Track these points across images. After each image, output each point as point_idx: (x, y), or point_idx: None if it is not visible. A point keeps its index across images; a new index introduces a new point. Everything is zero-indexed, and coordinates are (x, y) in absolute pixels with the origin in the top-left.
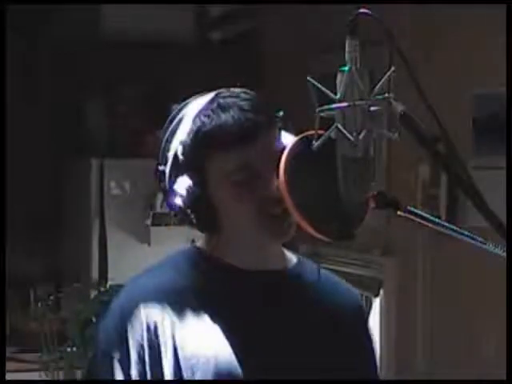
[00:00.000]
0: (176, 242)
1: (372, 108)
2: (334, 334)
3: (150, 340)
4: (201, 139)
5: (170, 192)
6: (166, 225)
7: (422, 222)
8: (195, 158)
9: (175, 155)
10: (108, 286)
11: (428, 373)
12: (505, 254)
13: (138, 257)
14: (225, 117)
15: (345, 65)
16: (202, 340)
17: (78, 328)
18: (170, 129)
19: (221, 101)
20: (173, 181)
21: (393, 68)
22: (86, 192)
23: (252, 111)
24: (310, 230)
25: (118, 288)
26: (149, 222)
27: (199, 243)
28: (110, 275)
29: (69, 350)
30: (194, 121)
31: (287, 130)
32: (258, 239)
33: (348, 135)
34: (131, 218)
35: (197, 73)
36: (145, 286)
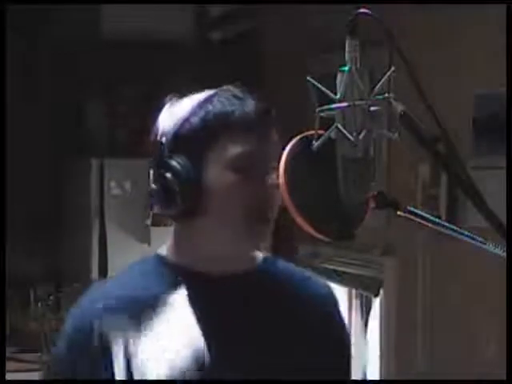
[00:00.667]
0: None
1: (372, 108)
2: (304, 329)
3: (102, 349)
4: (211, 120)
5: (162, 164)
6: (166, 225)
7: (422, 221)
8: (201, 137)
9: (176, 131)
10: None
11: (428, 373)
12: (505, 254)
13: (138, 257)
14: (239, 103)
15: (345, 65)
16: (157, 348)
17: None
18: (173, 107)
19: (234, 91)
20: (168, 155)
21: (393, 68)
22: (86, 192)
23: (255, 102)
24: (310, 230)
25: None
26: (149, 221)
27: (161, 250)
28: (109, 275)
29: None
30: (205, 103)
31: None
32: (239, 237)
33: (348, 135)
34: (131, 218)
35: (197, 73)
36: (100, 295)
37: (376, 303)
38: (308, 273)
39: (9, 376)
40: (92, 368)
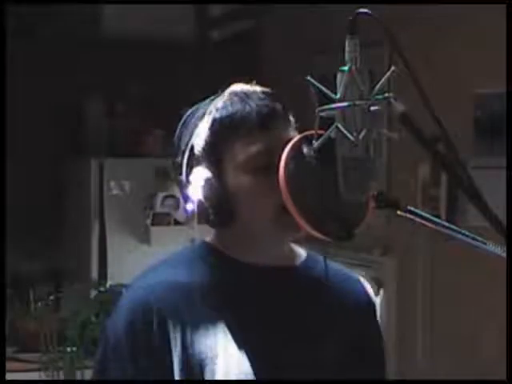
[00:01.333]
0: (176, 242)
1: (372, 108)
2: (345, 328)
3: (160, 335)
4: (218, 128)
5: (185, 184)
6: (166, 225)
7: (422, 222)
8: (213, 148)
9: (192, 147)
10: (108, 285)
11: (428, 373)
12: (505, 254)
13: (138, 257)
14: (241, 105)
15: (345, 65)
16: (212, 336)
17: (78, 328)
18: (188, 123)
19: (238, 92)
20: (189, 172)
21: (393, 68)
22: (86, 192)
23: (269, 101)
24: (310, 230)
25: (117, 288)
26: (149, 221)
27: (209, 239)
28: (109, 275)
29: (69, 349)
30: (211, 113)
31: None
32: (271, 232)
33: (348, 135)
34: (131, 218)
35: (196, 73)
36: (155, 281)
37: (376, 303)
38: (349, 272)
39: (9, 376)
40: (150, 354)
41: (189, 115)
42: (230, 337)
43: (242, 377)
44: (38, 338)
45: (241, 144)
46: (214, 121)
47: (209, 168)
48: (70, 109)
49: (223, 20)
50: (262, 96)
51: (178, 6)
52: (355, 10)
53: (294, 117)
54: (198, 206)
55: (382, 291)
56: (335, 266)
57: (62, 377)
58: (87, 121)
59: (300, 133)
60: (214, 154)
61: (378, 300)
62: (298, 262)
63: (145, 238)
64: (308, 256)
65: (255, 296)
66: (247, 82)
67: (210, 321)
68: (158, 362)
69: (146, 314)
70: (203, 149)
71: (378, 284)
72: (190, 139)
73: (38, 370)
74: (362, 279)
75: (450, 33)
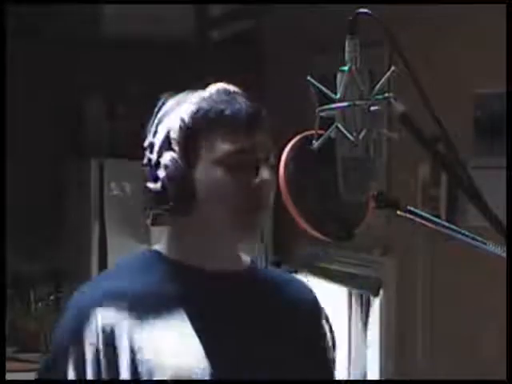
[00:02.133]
0: None
1: (372, 108)
2: (290, 331)
3: (105, 342)
4: (203, 118)
5: (155, 164)
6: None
7: (422, 221)
8: (192, 135)
9: (169, 130)
10: None
11: (428, 373)
12: (505, 254)
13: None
14: (231, 102)
15: (345, 65)
16: (160, 343)
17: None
18: (167, 106)
19: (227, 89)
20: (161, 154)
21: (393, 68)
22: (86, 192)
23: (252, 102)
24: (310, 230)
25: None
26: (149, 221)
27: (157, 246)
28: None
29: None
30: (197, 102)
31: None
32: (229, 232)
33: (348, 135)
34: (131, 218)
35: (197, 73)
36: (102, 288)
37: (376, 303)
38: (292, 275)
39: (9, 376)
40: (95, 359)
41: (165, 101)
42: (178, 342)
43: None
44: (38, 337)
45: (221, 139)
46: (199, 110)
47: (182, 153)
48: (70, 109)
49: (223, 20)
50: (246, 98)
51: (178, 5)
52: (355, 10)
53: (278, 118)
54: (161, 187)
55: (381, 291)
56: (279, 271)
57: None
58: (87, 121)
59: (296, 133)
60: (191, 141)
61: (377, 301)
62: (245, 266)
63: (145, 239)
64: (252, 261)
65: (201, 301)
66: (233, 82)
67: (158, 328)
68: (104, 367)
69: (92, 321)
70: (181, 134)
71: (378, 284)
72: (166, 121)
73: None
74: (307, 284)
75: (450, 33)
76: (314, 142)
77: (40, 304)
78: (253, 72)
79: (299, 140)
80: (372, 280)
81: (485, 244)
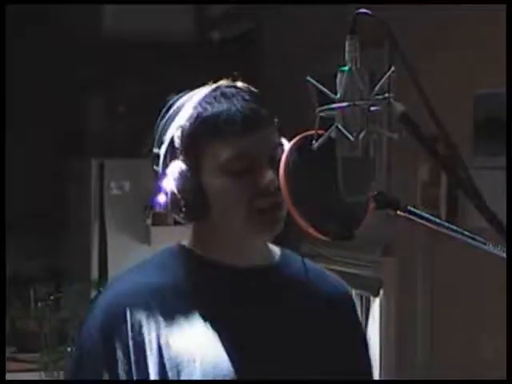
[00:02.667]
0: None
1: (372, 108)
2: (324, 326)
3: (134, 339)
4: (201, 125)
5: (161, 175)
6: (166, 225)
7: (422, 221)
8: (193, 143)
9: (172, 139)
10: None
11: (428, 373)
12: (505, 254)
13: (138, 257)
14: (227, 105)
15: (345, 65)
16: (188, 339)
17: (78, 328)
18: (169, 114)
19: (224, 90)
20: (167, 164)
21: (393, 68)
22: (86, 192)
23: (254, 103)
24: (310, 230)
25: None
26: (149, 221)
27: (184, 242)
28: (109, 275)
29: (69, 349)
30: (195, 107)
31: (281, 131)
32: (245, 233)
33: (348, 135)
34: (131, 218)
35: (197, 73)
36: (130, 284)
37: (376, 303)
38: (325, 270)
39: (9, 376)
40: (125, 356)
41: (171, 105)
42: (206, 339)
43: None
44: (37, 337)
45: (221, 144)
46: (197, 117)
47: (186, 162)
48: (70, 109)
49: (223, 20)
50: (247, 97)
51: (178, 6)
52: (355, 10)
53: (277, 119)
54: (171, 198)
55: (381, 291)
56: (312, 264)
57: (61, 377)
58: (87, 121)
59: (296, 133)
60: (194, 149)
61: (377, 301)
62: (273, 261)
63: (145, 238)
64: (282, 254)
65: (231, 297)
66: (234, 79)
67: (187, 323)
68: (134, 364)
69: (120, 318)
70: (183, 142)
71: (378, 284)
72: (169, 130)
73: (38, 370)
74: (340, 279)
75: (450, 33)
76: (313, 142)
77: (40, 304)
78: (253, 72)
79: (299, 140)
80: (372, 280)
81: (485, 244)
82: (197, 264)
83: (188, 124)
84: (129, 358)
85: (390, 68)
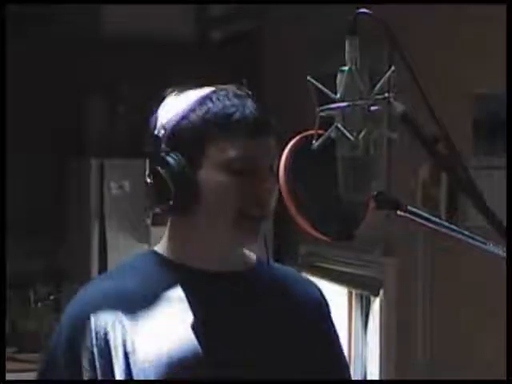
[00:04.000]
0: None
1: (372, 108)
2: (296, 330)
3: (99, 346)
4: (207, 121)
5: (157, 158)
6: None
7: (422, 221)
8: (197, 137)
9: (174, 126)
10: None
11: (428, 373)
12: (505, 254)
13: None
14: (240, 105)
15: (345, 65)
16: (155, 343)
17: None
18: (173, 101)
19: (235, 91)
20: (164, 150)
21: (393, 68)
22: (85, 192)
23: (264, 109)
24: (310, 230)
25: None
26: (149, 221)
27: (156, 247)
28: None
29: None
30: (203, 100)
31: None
32: (227, 237)
33: (348, 135)
34: (131, 217)
35: (197, 73)
36: (99, 290)
37: (376, 303)
38: (300, 274)
39: (9, 376)
40: (90, 365)
41: (172, 95)
42: (175, 342)
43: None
44: (37, 338)
45: (229, 143)
46: (209, 110)
47: (186, 155)
48: (71, 109)
49: (223, 20)
50: (257, 102)
51: (178, 6)
52: (355, 10)
53: (279, 126)
54: (163, 184)
55: (381, 291)
56: (287, 269)
57: None
58: (87, 121)
59: (299, 133)
60: (197, 141)
61: (376, 301)
62: (249, 266)
63: (145, 238)
64: (258, 260)
65: (204, 302)
66: (239, 84)
67: (155, 329)
68: (100, 372)
69: (84, 327)
70: (187, 133)
71: (378, 284)
72: (168, 120)
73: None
74: (313, 283)
75: (450, 33)
76: (313, 142)
77: (40, 304)
78: (253, 72)
79: (299, 140)
80: (372, 280)
81: (485, 244)
82: (170, 269)
83: (196, 116)
84: (94, 366)
85: (389, 68)
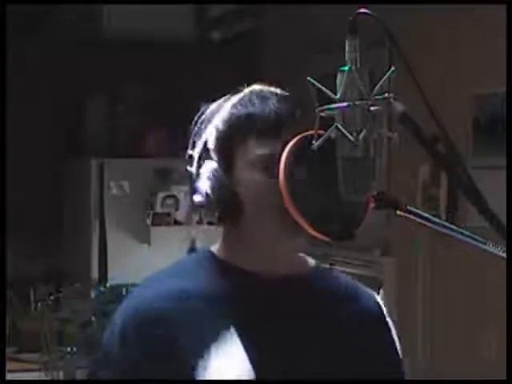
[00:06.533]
0: (176, 242)
1: (372, 108)
2: (356, 339)
3: (153, 348)
4: (235, 124)
5: (196, 176)
6: (166, 225)
7: (422, 221)
8: (227, 143)
9: (206, 141)
10: (108, 285)
11: (428, 372)
12: (505, 254)
13: (138, 257)
14: (262, 105)
15: (345, 65)
16: (212, 346)
17: (78, 328)
18: (203, 118)
19: (258, 91)
20: (200, 165)
21: (393, 68)
22: (85, 192)
23: (289, 104)
24: (310, 230)
25: (117, 288)
26: (149, 221)
27: (213, 247)
28: (109, 275)
29: (69, 349)
30: (229, 109)
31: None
32: (277, 232)
33: (348, 135)
34: (131, 218)
35: (197, 73)
36: (154, 290)
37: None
38: (357, 282)
39: (9, 376)
40: (145, 363)
41: (205, 109)
42: (234, 347)
43: None
44: (37, 337)
45: (255, 142)
46: (232, 115)
47: (219, 162)
48: (70, 109)
49: (223, 20)
50: (281, 99)
51: (178, 6)
52: (355, 10)
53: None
54: (206, 199)
55: (381, 291)
56: (343, 276)
57: (61, 377)
58: (87, 121)
59: (297, 134)
60: (227, 148)
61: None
62: (306, 270)
63: (145, 238)
64: (316, 265)
65: (260, 306)
66: (269, 83)
67: (213, 332)
68: (151, 371)
69: (139, 326)
70: (217, 142)
71: (378, 284)
72: (204, 132)
73: (38, 370)
74: (370, 290)
75: (450, 32)
76: (313, 142)
77: (40, 304)
78: (253, 72)
79: (299, 140)
80: (372, 280)
81: (485, 244)
82: (225, 271)
83: (222, 125)
84: (146, 365)
85: (389, 68)
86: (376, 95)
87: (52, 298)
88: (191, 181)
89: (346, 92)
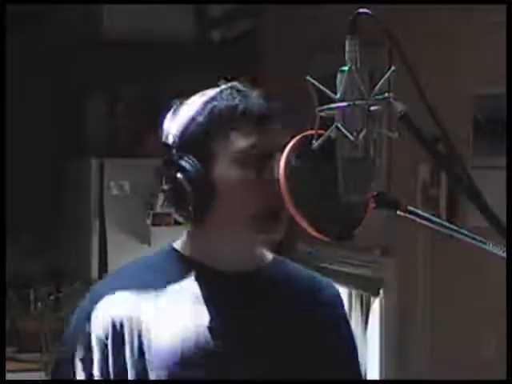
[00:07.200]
0: None
1: (372, 108)
2: (312, 330)
3: (114, 339)
4: (216, 117)
5: (171, 164)
6: (166, 225)
7: (422, 221)
8: (206, 136)
9: (183, 131)
10: None
11: (428, 373)
12: (505, 254)
13: (138, 257)
14: (244, 98)
15: (345, 65)
16: (171, 340)
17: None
18: (180, 108)
19: (238, 86)
20: (176, 155)
21: (393, 68)
22: (86, 192)
23: (267, 100)
24: (310, 230)
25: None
26: (149, 221)
27: (176, 244)
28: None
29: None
30: (208, 101)
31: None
32: (249, 229)
33: (348, 135)
34: (131, 218)
35: (197, 73)
36: (115, 285)
37: (376, 303)
38: (315, 274)
39: (9, 376)
40: (103, 355)
41: (179, 105)
42: (192, 343)
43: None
44: (37, 337)
45: (237, 135)
46: (214, 108)
47: (199, 154)
48: (70, 109)
49: (223, 20)
50: (260, 95)
51: (178, 6)
52: (355, 10)
53: (288, 120)
54: (180, 192)
55: (381, 291)
56: (299, 267)
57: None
58: (87, 121)
59: (299, 133)
60: (207, 141)
61: (376, 301)
62: (264, 265)
63: (145, 238)
64: (274, 259)
65: (220, 302)
66: (245, 81)
67: (173, 327)
68: (112, 364)
69: (101, 317)
70: (197, 135)
71: (378, 284)
72: (177, 126)
73: (38, 370)
74: (330, 282)
75: (449, 33)
76: (313, 141)
77: (40, 304)
78: (253, 72)
79: (299, 140)
80: (372, 280)
81: (485, 244)
82: (188, 268)
83: (202, 117)
84: (107, 358)
85: (389, 68)
86: (376, 95)
87: (52, 297)
88: (166, 170)
89: (346, 92)
